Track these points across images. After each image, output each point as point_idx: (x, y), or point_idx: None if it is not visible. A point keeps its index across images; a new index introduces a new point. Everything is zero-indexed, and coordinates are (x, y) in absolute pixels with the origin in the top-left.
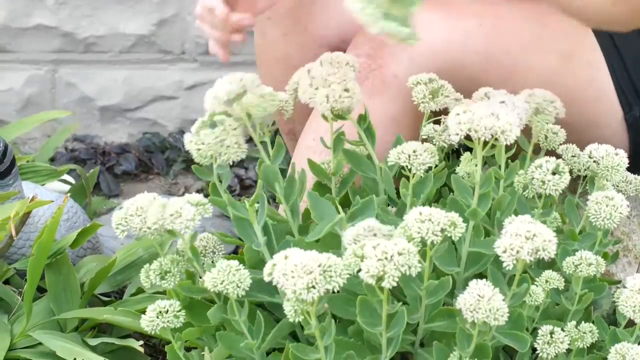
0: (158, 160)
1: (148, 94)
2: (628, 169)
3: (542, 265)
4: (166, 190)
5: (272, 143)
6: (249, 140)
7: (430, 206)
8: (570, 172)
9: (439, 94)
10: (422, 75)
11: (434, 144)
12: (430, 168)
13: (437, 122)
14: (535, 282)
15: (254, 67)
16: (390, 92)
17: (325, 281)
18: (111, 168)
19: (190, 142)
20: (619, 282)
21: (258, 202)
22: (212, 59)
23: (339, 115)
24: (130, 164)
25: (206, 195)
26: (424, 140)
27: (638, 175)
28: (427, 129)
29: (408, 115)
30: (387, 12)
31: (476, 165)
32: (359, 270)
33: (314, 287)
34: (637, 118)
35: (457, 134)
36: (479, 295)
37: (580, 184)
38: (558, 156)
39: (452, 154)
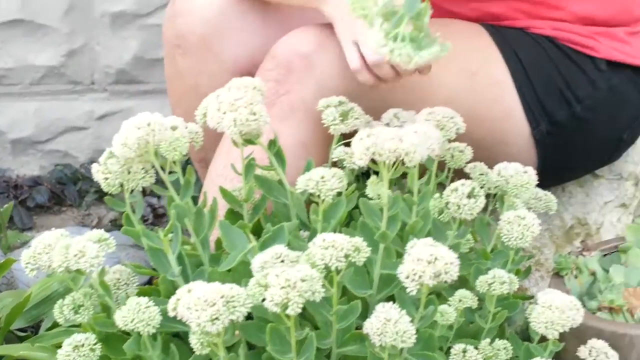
0: (70, 191)
1: (59, 125)
2: (537, 185)
3: (455, 284)
4: (79, 221)
5: (184, 170)
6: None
7: (341, 230)
8: None
9: (348, 116)
10: (332, 98)
11: (345, 167)
12: (341, 192)
13: (348, 144)
14: (449, 302)
15: (164, 96)
16: (299, 116)
17: (228, 312)
18: (24, 201)
19: (97, 172)
20: (532, 297)
21: (172, 232)
22: (122, 89)
23: (249, 140)
24: (43, 197)
25: (120, 225)
26: (334, 163)
27: (547, 189)
28: (338, 151)
29: (317, 139)
30: (412, 37)
31: (383, 188)
32: (264, 299)
33: (217, 318)
34: (544, 134)
35: (362, 159)
36: (386, 319)
37: (491, 201)
38: (465, 174)
39: (363, 176)
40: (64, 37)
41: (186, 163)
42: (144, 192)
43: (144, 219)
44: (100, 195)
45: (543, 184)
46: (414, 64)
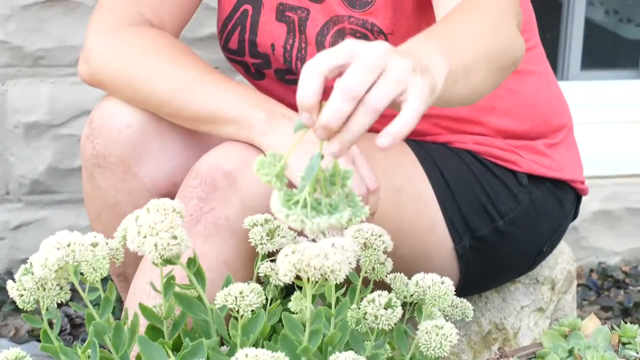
0: None
1: None
2: (457, 295)
3: None
4: None
5: (104, 283)
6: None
7: (263, 344)
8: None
9: (275, 234)
10: (258, 216)
11: (270, 282)
12: (265, 306)
13: (273, 260)
14: None
15: (79, 205)
16: (223, 235)
17: None
18: None
19: (12, 289)
20: None
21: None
22: (37, 199)
23: (168, 261)
24: None
25: (37, 335)
26: (259, 279)
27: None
28: (264, 267)
29: (241, 257)
30: (315, 204)
31: (306, 303)
32: None
33: None
34: (467, 249)
35: (287, 275)
36: None
37: (408, 309)
38: (387, 285)
39: (285, 287)
40: None
41: (105, 278)
42: (61, 302)
43: (61, 330)
44: (17, 306)
45: (463, 295)
46: (309, 230)
